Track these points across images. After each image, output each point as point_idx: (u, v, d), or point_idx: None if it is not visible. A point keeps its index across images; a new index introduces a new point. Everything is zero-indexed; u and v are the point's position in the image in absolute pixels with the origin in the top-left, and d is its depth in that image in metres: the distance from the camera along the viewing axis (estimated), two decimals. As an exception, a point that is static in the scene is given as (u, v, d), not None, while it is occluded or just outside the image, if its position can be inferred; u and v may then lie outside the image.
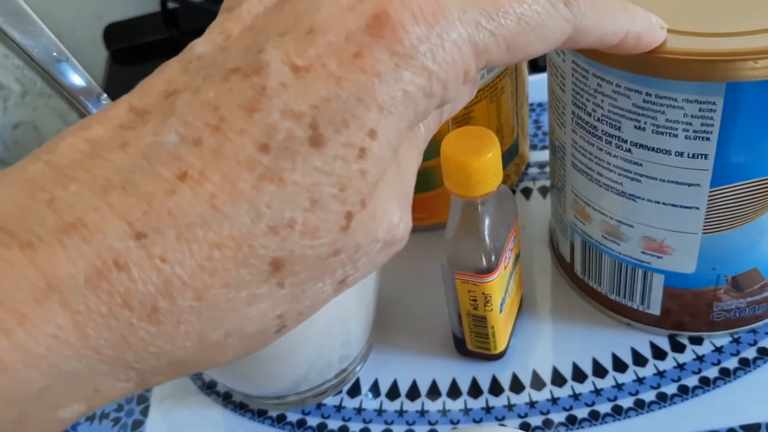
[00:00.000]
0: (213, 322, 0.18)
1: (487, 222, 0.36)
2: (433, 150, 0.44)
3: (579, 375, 0.41)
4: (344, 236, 0.18)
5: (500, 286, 0.37)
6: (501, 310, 0.39)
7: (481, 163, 0.33)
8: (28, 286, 0.16)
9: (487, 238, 0.36)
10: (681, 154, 0.33)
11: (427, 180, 0.46)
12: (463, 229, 0.36)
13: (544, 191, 0.51)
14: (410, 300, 0.46)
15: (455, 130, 0.35)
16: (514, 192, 0.51)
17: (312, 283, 0.19)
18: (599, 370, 0.41)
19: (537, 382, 0.41)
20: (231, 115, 0.17)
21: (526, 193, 0.52)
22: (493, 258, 0.36)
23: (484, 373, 0.41)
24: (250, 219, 0.17)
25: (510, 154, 0.49)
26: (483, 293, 0.37)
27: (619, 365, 0.41)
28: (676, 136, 0.32)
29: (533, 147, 0.55)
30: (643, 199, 0.36)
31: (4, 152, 0.63)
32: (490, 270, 0.36)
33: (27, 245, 0.16)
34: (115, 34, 1.00)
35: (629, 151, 0.34)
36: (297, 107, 0.17)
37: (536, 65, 0.72)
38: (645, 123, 0.33)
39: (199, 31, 0.20)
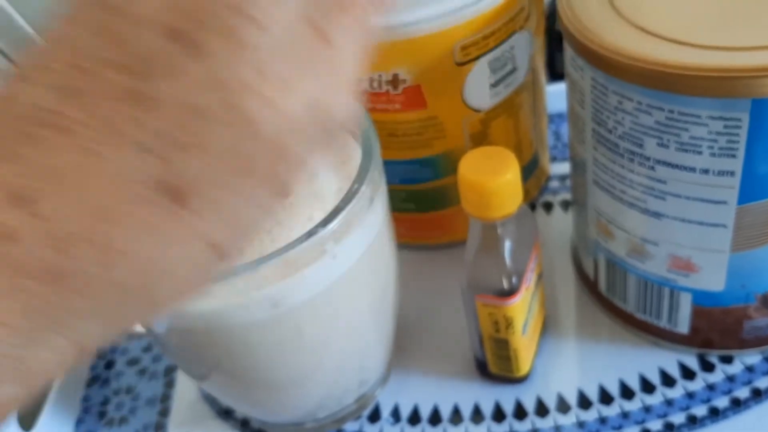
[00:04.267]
0: (130, 271, 0.17)
1: (507, 244, 0.35)
2: (448, 167, 0.43)
3: (606, 397, 0.39)
4: (250, 143, 0.17)
5: (522, 308, 0.36)
6: (524, 333, 0.38)
7: (500, 185, 0.32)
8: None
9: (507, 260, 0.35)
10: (706, 172, 0.32)
11: (444, 197, 0.45)
12: (483, 252, 0.35)
13: (565, 205, 0.50)
14: (429, 320, 0.45)
15: (473, 151, 0.34)
16: (534, 207, 0.50)
17: (232, 200, 0.17)
18: (626, 392, 0.39)
19: (562, 406, 0.39)
20: (91, 48, 0.16)
21: (548, 207, 0.51)
22: (514, 280, 0.35)
23: (507, 397, 0.40)
24: (135, 153, 0.16)
25: (529, 169, 0.48)
26: (505, 316, 0.36)
27: (647, 386, 0.39)
28: (700, 153, 0.31)
29: (553, 159, 0.53)
30: (668, 216, 0.34)
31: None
32: (511, 292, 0.35)
33: None
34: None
35: (652, 168, 0.33)
36: (157, 18, 0.16)
37: (555, 74, 0.71)
38: (668, 140, 0.32)
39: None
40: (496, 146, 0.34)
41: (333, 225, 0.30)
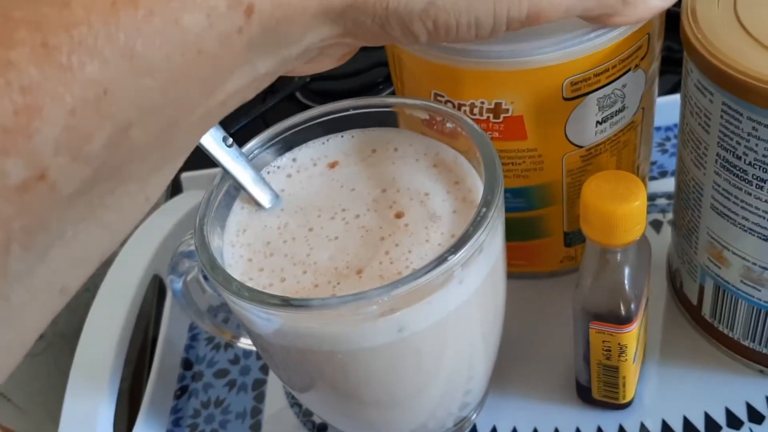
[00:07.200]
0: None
1: (627, 270, 0.34)
2: (541, 200, 0.42)
3: (712, 426, 0.39)
4: None
5: (637, 335, 0.36)
6: (634, 360, 0.37)
7: (628, 212, 0.32)
8: None
9: (627, 286, 0.34)
10: None
11: (532, 229, 0.44)
12: (601, 277, 0.35)
13: (656, 225, 0.49)
14: (524, 342, 0.44)
15: (597, 174, 0.33)
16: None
17: None
18: (734, 421, 0.39)
19: (668, 434, 0.39)
20: None
21: (637, 226, 0.50)
22: (632, 307, 0.34)
23: (609, 423, 0.40)
24: None
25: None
26: (619, 344, 0.35)
27: (755, 416, 0.39)
28: (841, 184, 0.30)
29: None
30: (795, 246, 0.34)
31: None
32: (629, 320, 0.35)
33: None
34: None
35: (783, 196, 0.32)
36: None
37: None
38: (807, 170, 0.31)
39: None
40: (620, 170, 0.33)
41: (464, 250, 0.30)
